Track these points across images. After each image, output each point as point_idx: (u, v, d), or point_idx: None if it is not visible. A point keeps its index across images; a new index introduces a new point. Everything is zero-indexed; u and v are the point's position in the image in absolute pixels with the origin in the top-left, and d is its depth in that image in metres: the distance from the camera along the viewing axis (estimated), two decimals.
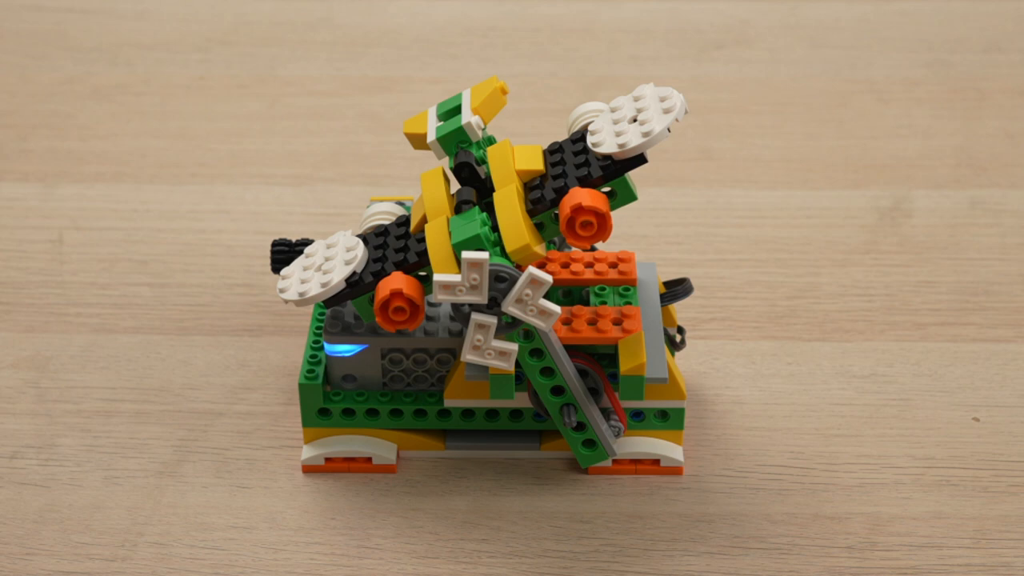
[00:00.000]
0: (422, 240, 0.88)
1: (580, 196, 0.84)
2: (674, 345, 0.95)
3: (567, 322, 0.89)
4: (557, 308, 0.83)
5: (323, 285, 0.87)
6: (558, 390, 0.88)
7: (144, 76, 1.34)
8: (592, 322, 0.90)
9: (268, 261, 1.09)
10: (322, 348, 0.93)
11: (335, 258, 0.89)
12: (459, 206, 0.87)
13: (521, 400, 0.91)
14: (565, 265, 0.94)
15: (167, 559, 0.88)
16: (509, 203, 0.85)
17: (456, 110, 0.91)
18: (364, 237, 0.90)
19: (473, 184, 0.89)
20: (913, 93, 1.31)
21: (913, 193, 1.18)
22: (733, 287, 1.08)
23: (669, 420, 0.92)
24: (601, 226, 0.84)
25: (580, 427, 0.90)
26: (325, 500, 0.91)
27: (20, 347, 1.03)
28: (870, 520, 0.90)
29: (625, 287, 0.93)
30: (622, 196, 0.87)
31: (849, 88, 1.32)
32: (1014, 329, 1.04)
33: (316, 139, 1.25)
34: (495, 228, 0.86)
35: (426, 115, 0.92)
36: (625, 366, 0.88)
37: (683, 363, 1.01)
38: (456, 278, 0.83)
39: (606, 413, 0.91)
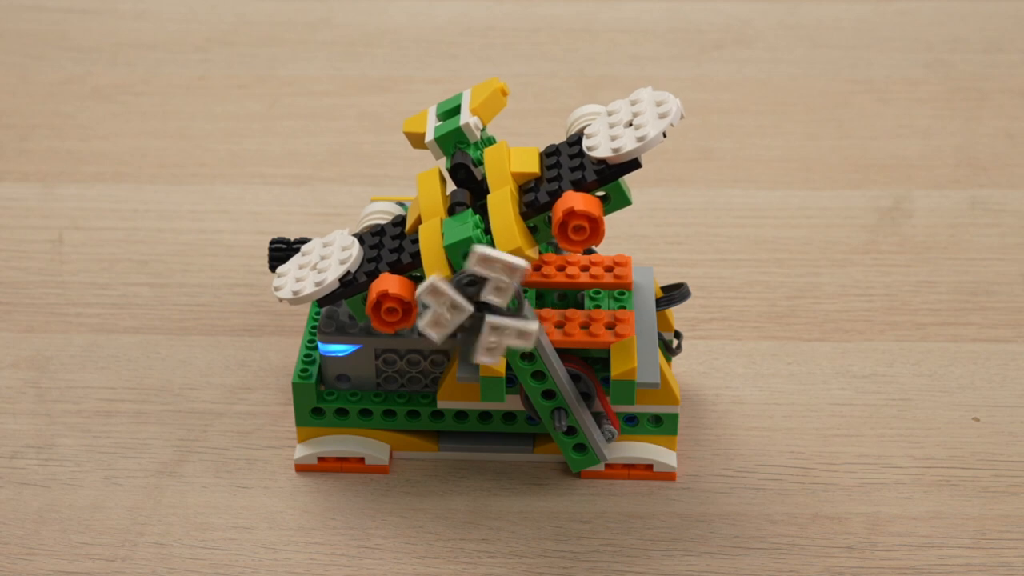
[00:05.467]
0: (416, 241, 0.88)
1: (573, 200, 0.83)
2: (669, 350, 0.95)
3: (560, 325, 0.89)
4: (523, 263, 0.82)
5: (317, 284, 0.87)
6: (549, 394, 0.88)
7: (144, 76, 1.34)
8: (585, 326, 0.89)
9: (268, 261, 1.09)
10: (316, 348, 0.93)
11: (331, 257, 0.89)
12: (452, 208, 0.87)
13: (514, 403, 0.91)
14: (561, 268, 0.94)
15: (167, 559, 0.88)
16: (503, 206, 0.85)
17: (456, 110, 0.91)
18: (360, 236, 0.90)
19: (469, 186, 0.88)
20: (913, 93, 1.31)
21: (913, 193, 1.18)
22: (733, 287, 1.08)
23: (662, 425, 0.92)
24: (593, 231, 0.83)
25: (571, 431, 0.90)
26: (325, 500, 0.91)
27: (20, 347, 1.03)
28: (870, 520, 0.90)
29: (620, 291, 0.93)
30: (616, 201, 0.86)
31: (849, 88, 1.32)
32: (1014, 329, 1.04)
33: (316, 139, 1.25)
34: (488, 231, 0.86)
35: (426, 114, 0.92)
36: (616, 370, 0.88)
37: (683, 363, 1.01)
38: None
39: (599, 418, 0.90)
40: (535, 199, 0.86)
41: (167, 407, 0.98)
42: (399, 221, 0.90)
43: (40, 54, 1.37)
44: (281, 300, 0.89)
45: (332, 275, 0.87)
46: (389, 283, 0.85)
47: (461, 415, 0.92)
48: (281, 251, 0.98)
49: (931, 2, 1.45)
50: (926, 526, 0.89)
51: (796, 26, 1.41)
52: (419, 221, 0.88)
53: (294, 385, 0.91)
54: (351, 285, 0.87)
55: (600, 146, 0.85)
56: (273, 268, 0.98)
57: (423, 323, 0.82)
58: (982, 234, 1.13)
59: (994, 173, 1.20)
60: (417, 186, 0.89)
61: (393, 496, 0.92)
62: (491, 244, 0.84)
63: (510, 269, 0.81)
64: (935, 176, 1.20)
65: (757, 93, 1.31)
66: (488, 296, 0.82)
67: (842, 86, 1.32)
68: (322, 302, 0.88)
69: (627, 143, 0.84)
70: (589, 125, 0.88)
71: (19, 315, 1.06)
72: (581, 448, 0.91)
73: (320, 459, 0.93)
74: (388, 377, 0.92)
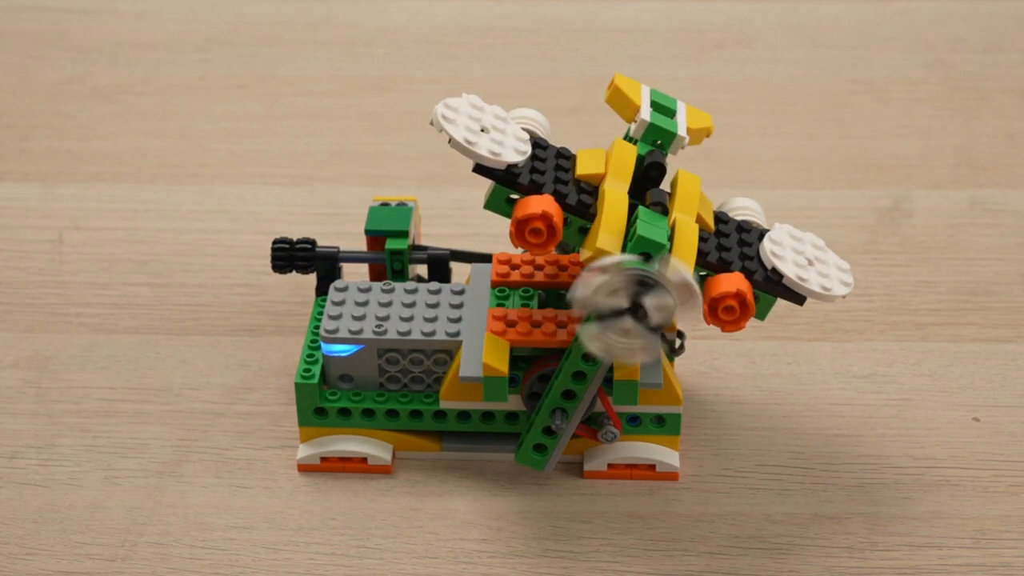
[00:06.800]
0: (586, 191, 0.87)
1: (743, 286, 0.84)
2: (672, 351, 0.95)
3: (563, 325, 0.89)
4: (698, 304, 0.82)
5: (492, 152, 0.85)
6: (570, 394, 0.88)
7: (144, 76, 1.34)
8: None
9: (268, 261, 1.09)
10: (319, 347, 0.93)
11: (506, 135, 0.86)
12: (651, 204, 0.87)
13: (516, 403, 0.91)
14: (564, 268, 0.94)
15: (167, 559, 0.88)
16: (691, 238, 0.85)
17: (669, 112, 0.90)
18: (533, 138, 0.89)
19: (647, 185, 0.88)
20: (913, 93, 1.31)
21: (913, 193, 1.18)
22: None
23: (665, 425, 0.92)
24: (743, 314, 0.84)
25: (552, 434, 0.90)
26: (325, 500, 0.91)
27: (20, 347, 1.03)
28: (870, 520, 0.90)
29: None
30: (759, 309, 0.87)
31: (849, 88, 1.32)
32: (1014, 329, 1.04)
33: (316, 139, 1.25)
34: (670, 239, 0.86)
35: (640, 86, 0.91)
36: (619, 371, 0.88)
37: (684, 363, 1.01)
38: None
39: (600, 419, 0.90)
40: (705, 251, 0.86)
41: (167, 407, 0.98)
42: (567, 154, 0.89)
43: (40, 54, 1.37)
44: (450, 139, 0.85)
45: (508, 156, 0.85)
46: (549, 205, 0.83)
47: (464, 415, 0.92)
48: (284, 251, 0.98)
49: (931, 2, 1.45)
50: (926, 526, 0.89)
51: (796, 26, 1.41)
52: (598, 177, 0.87)
53: (297, 385, 0.91)
54: (511, 177, 0.86)
55: (785, 260, 0.86)
56: (276, 268, 0.99)
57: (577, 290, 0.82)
58: (982, 234, 1.13)
59: (994, 173, 1.20)
60: (614, 146, 0.88)
61: (393, 496, 0.92)
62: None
63: (687, 294, 0.82)
64: (935, 176, 1.20)
65: (757, 93, 1.31)
66: (651, 309, 0.82)
67: (842, 86, 1.32)
68: (476, 168, 0.85)
69: (816, 282, 0.86)
70: (774, 229, 0.88)
71: (19, 315, 1.06)
72: (542, 449, 0.91)
73: (323, 459, 0.93)
74: (391, 377, 0.92)
